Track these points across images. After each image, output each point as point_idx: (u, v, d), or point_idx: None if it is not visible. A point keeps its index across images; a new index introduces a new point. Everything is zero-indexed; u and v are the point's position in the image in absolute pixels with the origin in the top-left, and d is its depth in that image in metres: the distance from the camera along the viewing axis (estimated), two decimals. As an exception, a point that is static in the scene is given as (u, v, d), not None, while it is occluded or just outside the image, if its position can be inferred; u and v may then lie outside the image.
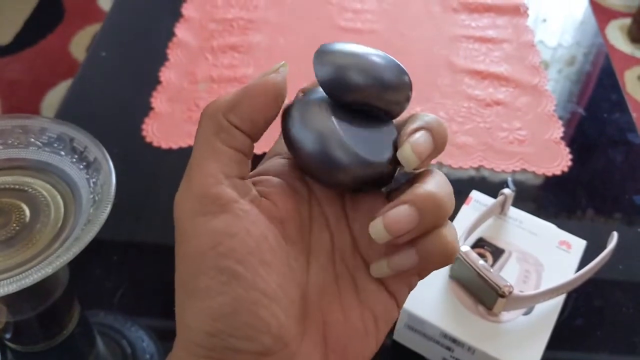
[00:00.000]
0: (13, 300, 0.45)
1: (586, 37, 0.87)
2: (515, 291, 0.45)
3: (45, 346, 0.49)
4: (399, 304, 0.27)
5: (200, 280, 0.24)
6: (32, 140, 0.46)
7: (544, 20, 0.88)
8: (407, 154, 0.24)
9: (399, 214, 0.23)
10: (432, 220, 0.24)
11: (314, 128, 0.25)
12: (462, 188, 0.64)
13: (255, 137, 0.26)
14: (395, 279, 0.27)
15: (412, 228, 0.23)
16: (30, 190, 0.44)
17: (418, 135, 0.24)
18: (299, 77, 0.77)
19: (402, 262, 0.25)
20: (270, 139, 0.28)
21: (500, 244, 0.52)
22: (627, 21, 2.10)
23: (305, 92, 0.27)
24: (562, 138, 0.70)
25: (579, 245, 0.52)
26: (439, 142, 0.25)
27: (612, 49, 2.00)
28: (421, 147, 0.24)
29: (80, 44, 1.94)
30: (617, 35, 2.07)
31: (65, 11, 2.07)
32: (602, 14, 2.12)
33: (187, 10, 0.86)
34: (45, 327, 0.49)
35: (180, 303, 0.24)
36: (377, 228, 0.24)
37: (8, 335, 0.48)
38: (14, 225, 0.42)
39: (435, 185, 0.24)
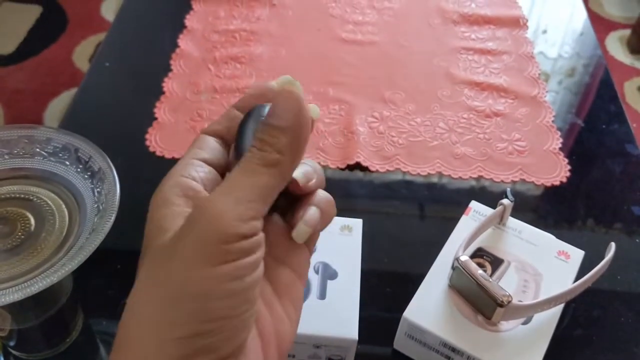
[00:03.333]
0: (17, 308, 0.45)
1: (586, 49, 0.88)
2: (514, 301, 0.45)
3: (48, 354, 0.49)
4: (303, 284, 0.32)
5: (203, 285, 0.25)
6: (38, 150, 0.46)
7: (544, 32, 0.89)
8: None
9: (313, 214, 0.30)
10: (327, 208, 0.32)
11: None
12: (461, 198, 0.65)
13: None
14: (299, 258, 0.32)
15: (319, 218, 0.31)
16: (35, 199, 0.44)
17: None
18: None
19: (313, 217, 0.31)
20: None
21: (499, 253, 0.53)
22: (627, 32, 2.11)
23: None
24: (560, 149, 0.71)
25: (577, 255, 0.53)
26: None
27: (612, 60, 2.01)
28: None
29: (83, 53, 1.95)
30: (616, 46, 2.08)
31: (69, 21, 2.08)
32: (601, 25, 2.14)
33: (190, 21, 0.87)
34: (49, 335, 0.50)
35: (167, 301, 0.25)
36: (301, 230, 0.30)
37: (12, 343, 0.49)
38: (19, 234, 0.42)
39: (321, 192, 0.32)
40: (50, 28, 2.06)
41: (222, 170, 0.31)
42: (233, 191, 0.26)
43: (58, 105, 1.77)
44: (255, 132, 0.28)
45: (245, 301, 0.26)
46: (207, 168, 0.30)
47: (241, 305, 0.26)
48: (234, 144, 0.31)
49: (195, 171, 0.30)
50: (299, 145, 0.28)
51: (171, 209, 0.28)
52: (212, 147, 0.31)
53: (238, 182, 0.26)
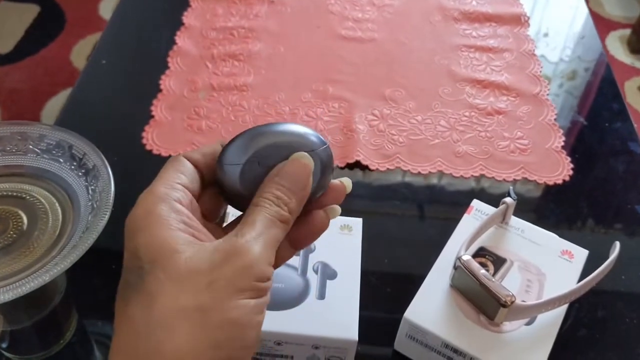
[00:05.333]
0: (10, 308, 0.44)
1: (588, 47, 0.87)
2: (518, 301, 0.45)
3: (42, 356, 0.48)
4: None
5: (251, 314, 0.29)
6: (31, 147, 0.45)
7: (546, 35, 0.88)
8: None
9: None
10: None
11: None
12: (463, 197, 0.64)
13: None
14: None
15: None
16: (28, 197, 0.44)
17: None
18: (299, 86, 0.77)
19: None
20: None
21: (501, 253, 0.52)
22: (627, 32, 2.10)
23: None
24: (563, 147, 0.70)
25: (581, 254, 0.52)
26: None
27: (612, 59, 2.00)
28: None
29: (81, 53, 1.94)
30: (617, 46, 2.07)
31: (67, 20, 2.07)
32: (601, 24, 2.13)
33: (187, 18, 0.86)
34: (43, 336, 0.49)
35: (211, 325, 0.28)
36: (337, 210, 0.36)
37: (4, 345, 0.48)
38: (11, 232, 0.41)
39: None
40: (48, 27, 2.05)
41: (196, 194, 0.34)
42: (260, 238, 0.30)
43: (56, 105, 1.76)
44: (269, 185, 0.32)
45: (259, 336, 0.30)
46: (189, 195, 0.33)
47: (258, 338, 0.30)
48: (221, 163, 0.34)
49: (182, 197, 0.32)
50: (300, 208, 0.33)
51: (176, 232, 0.30)
52: (190, 172, 0.34)
53: (262, 230, 0.31)
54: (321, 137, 0.35)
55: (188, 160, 0.34)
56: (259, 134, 0.34)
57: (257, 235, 0.30)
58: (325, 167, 0.35)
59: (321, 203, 0.36)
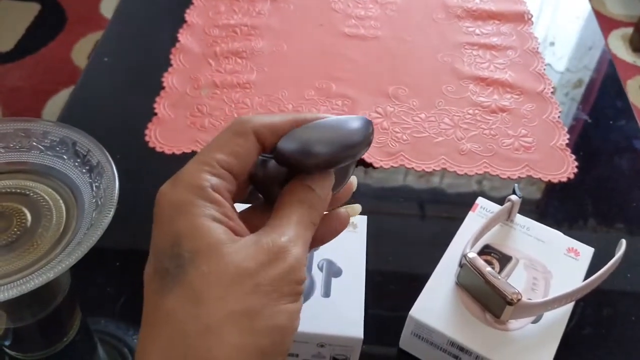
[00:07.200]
0: (13, 306, 0.44)
1: (591, 51, 0.86)
2: (524, 299, 0.44)
3: (45, 354, 0.48)
4: None
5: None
6: (35, 143, 0.45)
7: (552, 44, 0.86)
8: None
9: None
10: None
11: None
12: (467, 195, 0.63)
13: None
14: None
15: None
16: (31, 194, 0.43)
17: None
18: (302, 84, 0.77)
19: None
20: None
21: (507, 250, 0.51)
22: (629, 30, 2.10)
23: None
24: (567, 145, 0.70)
25: (587, 252, 0.52)
26: None
27: (614, 58, 2.00)
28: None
29: (82, 51, 1.94)
30: (619, 45, 2.07)
31: (68, 19, 2.07)
32: (604, 23, 2.13)
33: (190, 16, 0.86)
34: (46, 334, 0.48)
35: (261, 330, 0.28)
36: (358, 208, 0.38)
37: (8, 342, 0.48)
38: (15, 229, 0.41)
39: None
40: (48, 26, 2.04)
41: (240, 175, 0.32)
42: (300, 239, 0.30)
43: (56, 104, 1.76)
44: (304, 187, 0.32)
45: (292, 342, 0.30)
46: (234, 184, 0.32)
47: (292, 344, 0.30)
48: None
49: (228, 187, 0.31)
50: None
51: (218, 224, 0.29)
52: (249, 153, 0.32)
53: (301, 231, 0.31)
54: (369, 137, 0.33)
55: (260, 132, 0.32)
56: (309, 136, 0.32)
57: (297, 236, 0.30)
58: (351, 168, 0.36)
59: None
